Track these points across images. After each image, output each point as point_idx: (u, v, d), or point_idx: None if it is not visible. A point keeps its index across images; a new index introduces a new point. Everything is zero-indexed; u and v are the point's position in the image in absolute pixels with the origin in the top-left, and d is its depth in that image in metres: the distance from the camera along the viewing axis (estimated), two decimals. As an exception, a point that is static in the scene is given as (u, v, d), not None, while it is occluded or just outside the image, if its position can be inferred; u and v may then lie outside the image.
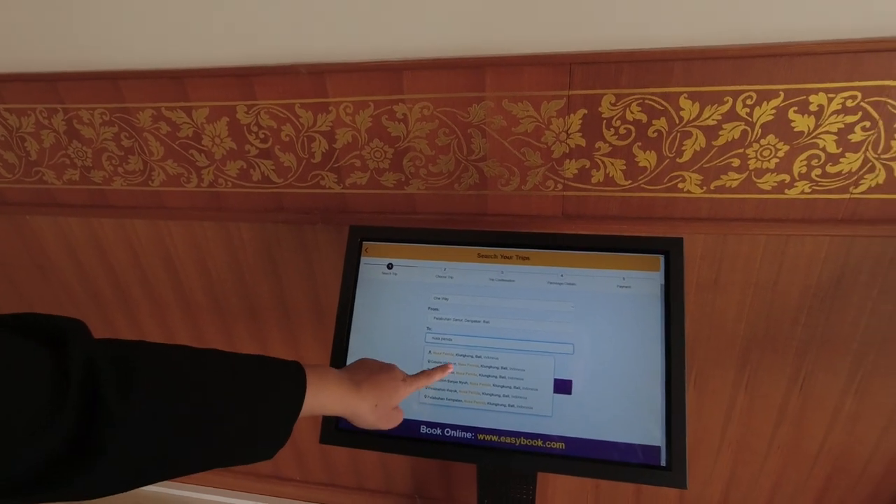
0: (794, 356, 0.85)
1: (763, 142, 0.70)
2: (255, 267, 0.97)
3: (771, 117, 0.68)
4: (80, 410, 0.32)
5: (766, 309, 0.82)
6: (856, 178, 0.70)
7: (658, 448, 0.60)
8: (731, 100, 0.68)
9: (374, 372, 0.57)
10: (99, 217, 0.98)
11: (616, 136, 0.74)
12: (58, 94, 0.85)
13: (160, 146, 0.87)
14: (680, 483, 0.58)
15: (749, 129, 0.69)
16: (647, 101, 0.70)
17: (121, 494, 0.37)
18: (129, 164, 0.90)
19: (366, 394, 0.54)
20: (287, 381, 0.48)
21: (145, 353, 0.40)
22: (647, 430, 0.61)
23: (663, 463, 0.60)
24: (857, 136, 0.67)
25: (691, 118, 0.70)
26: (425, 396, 0.68)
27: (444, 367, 0.64)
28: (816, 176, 0.71)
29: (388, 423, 0.58)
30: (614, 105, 0.71)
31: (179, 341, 1.11)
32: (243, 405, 0.43)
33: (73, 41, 0.79)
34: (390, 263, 0.73)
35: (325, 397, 0.50)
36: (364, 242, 0.74)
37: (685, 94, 0.69)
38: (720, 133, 0.71)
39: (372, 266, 0.73)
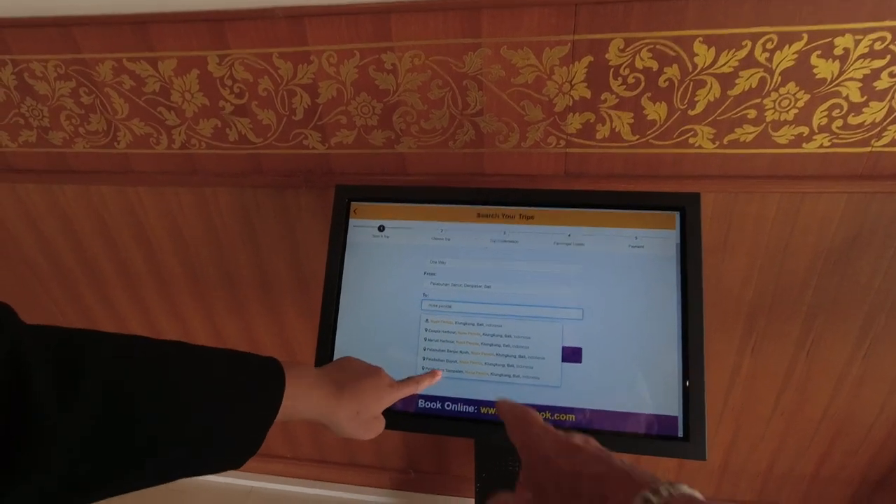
0: (803, 321, 0.82)
1: (782, 90, 0.65)
2: (233, 235, 0.91)
3: (792, 63, 0.63)
4: (2, 414, 0.27)
5: (775, 272, 0.79)
6: (879, 129, 0.66)
7: (675, 418, 0.56)
8: (749, 44, 0.63)
9: (358, 376, 0.52)
10: (60, 183, 0.89)
11: (624, 87, 0.68)
12: (4, 43, 0.76)
13: (124, 103, 0.79)
14: (699, 454, 0.54)
15: (768, 76, 0.64)
16: (658, 47, 0.64)
17: None
18: (90, 123, 0.82)
19: (347, 401, 0.48)
20: (263, 382, 0.42)
21: (90, 343, 0.34)
22: (662, 399, 0.57)
23: (680, 434, 0.56)
24: (882, 82, 0.63)
25: (706, 65, 0.65)
26: (423, 368, 0.64)
27: (432, 373, 0.59)
28: (837, 128, 0.66)
29: (368, 433, 0.52)
30: (623, 51, 0.65)
31: (155, 317, 1.05)
32: (210, 409, 0.37)
33: (17, -20, 0.70)
34: (381, 225, 0.67)
35: (302, 402, 0.45)
36: (352, 203, 0.68)
37: (700, 39, 0.63)
38: (736, 81, 0.65)
39: (361, 229, 0.67)
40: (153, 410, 0.34)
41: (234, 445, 0.40)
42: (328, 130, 0.77)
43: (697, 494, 0.29)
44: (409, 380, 0.57)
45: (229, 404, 0.38)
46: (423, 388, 0.57)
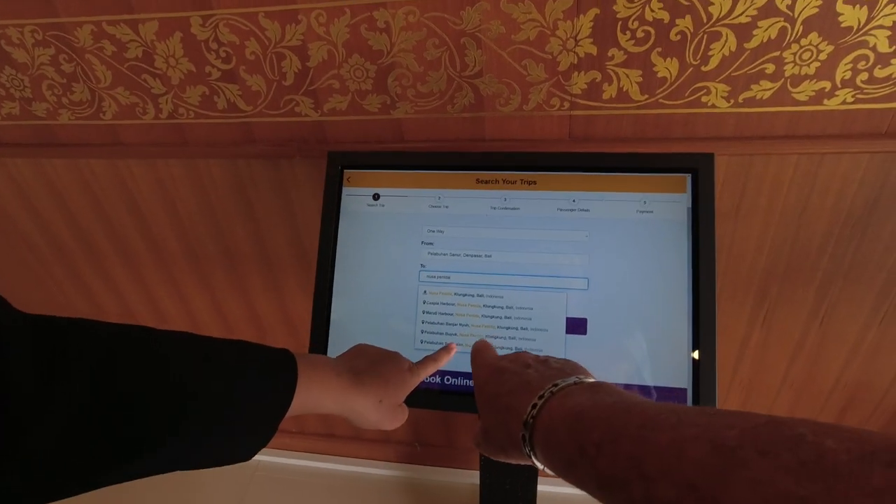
0: (817, 289, 0.79)
1: (804, 42, 0.60)
2: (229, 208, 0.88)
3: (815, 10, 0.58)
4: None
5: (790, 238, 0.75)
6: (907, 82, 0.61)
7: (684, 390, 0.54)
8: (770, -10, 0.58)
9: (376, 361, 0.48)
10: (49, 157, 0.87)
11: (632, 42, 0.63)
12: (-22, 8, 0.73)
13: (107, 70, 0.76)
14: (709, 426, 0.52)
15: (789, 25, 0.60)
16: (670, -4, 0.60)
17: None
18: (73, 93, 0.79)
19: (369, 388, 0.45)
20: (274, 371, 0.39)
21: (82, 331, 0.31)
22: (671, 371, 0.55)
23: (689, 405, 0.54)
24: (914, 30, 0.58)
25: (721, 15, 0.60)
26: (421, 342, 0.62)
27: (447, 347, 0.55)
28: (862, 82, 0.62)
29: (393, 421, 0.48)
30: (632, 2, 0.61)
31: (156, 294, 1.04)
32: (218, 399, 0.34)
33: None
34: (376, 193, 0.64)
35: (319, 392, 0.41)
36: (346, 170, 0.64)
37: (716, -14, 0.59)
38: (754, 33, 0.61)
39: (355, 197, 0.64)
40: (150, 402, 0.31)
41: (241, 439, 0.37)
42: (320, 96, 0.74)
43: (586, 379, 0.32)
44: (427, 359, 0.53)
45: (236, 397, 0.36)
46: (443, 364, 0.54)
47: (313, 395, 0.41)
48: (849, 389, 0.89)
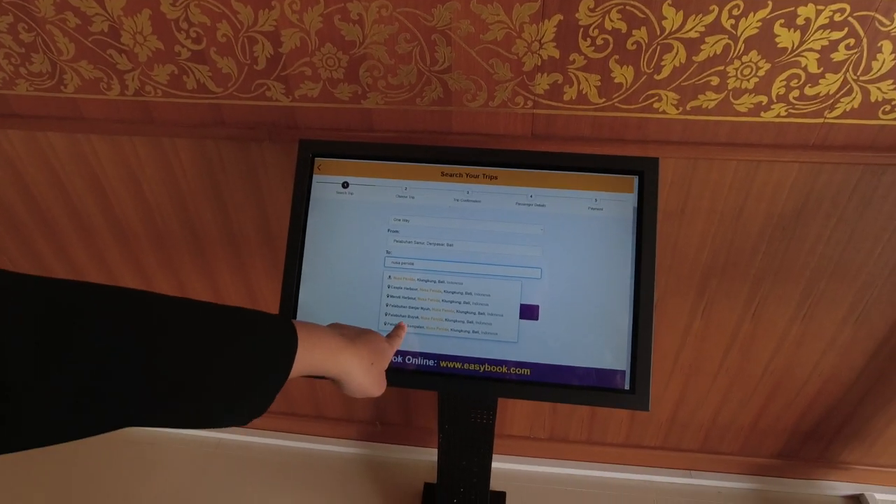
0: (751, 284, 0.86)
1: (745, 58, 0.66)
2: (196, 190, 0.88)
3: (756, 31, 0.64)
4: None
5: (728, 238, 0.82)
6: (832, 101, 0.68)
7: (623, 372, 0.60)
8: (717, 9, 0.63)
9: (360, 332, 0.51)
10: (4, 128, 0.84)
11: (592, 48, 0.68)
12: (-68, -29, 0.70)
13: (70, 43, 0.74)
14: (643, 405, 0.58)
15: (732, 43, 0.65)
16: (628, 8, 0.64)
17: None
18: (32, 63, 0.77)
19: (362, 350, 0.47)
20: (274, 333, 0.40)
21: (83, 297, 0.31)
22: (612, 354, 0.60)
23: (627, 386, 0.59)
24: (839, 54, 0.64)
25: (673, 29, 0.65)
26: (385, 324, 0.65)
27: (398, 326, 0.60)
28: (794, 98, 0.68)
29: (380, 387, 0.51)
30: (593, 11, 0.65)
31: (118, 275, 1.03)
32: (221, 359, 0.35)
33: None
34: (345, 182, 0.66)
35: (319, 352, 0.42)
36: (316, 158, 0.66)
37: (669, 1, 0.63)
38: (702, 47, 0.66)
39: (325, 185, 0.66)
40: (160, 359, 0.32)
41: (246, 401, 0.37)
42: (292, 82, 0.75)
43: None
44: (392, 334, 0.58)
45: (242, 354, 0.36)
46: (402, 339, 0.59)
47: (314, 354, 0.42)
48: (775, 377, 0.98)
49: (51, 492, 1.13)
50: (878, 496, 1.09)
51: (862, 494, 1.10)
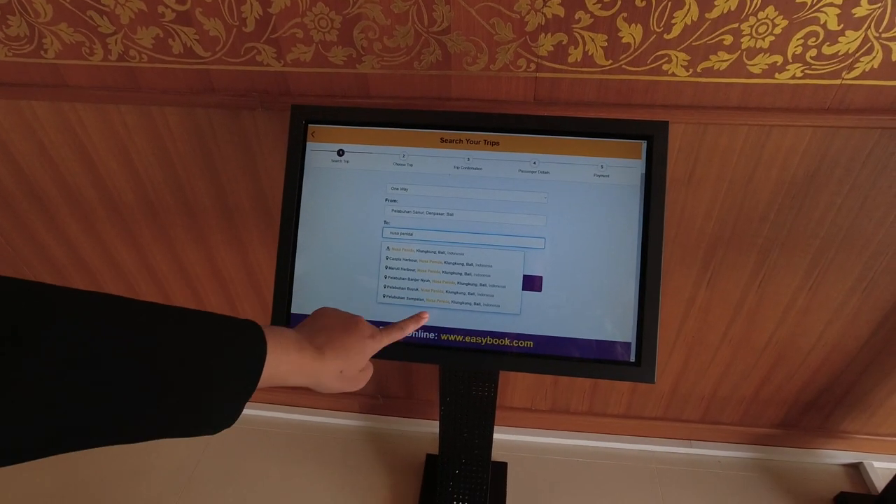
0: (758, 254, 0.85)
1: (761, 15, 0.62)
2: (187, 160, 0.85)
3: (774, -17, 0.60)
4: None
5: (737, 206, 0.80)
6: (851, 60, 0.64)
7: (629, 344, 0.58)
8: (733, -40, 0.59)
9: (338, 331, 0.49)
10: (-15, 97, 0.81)
11: (599, 5, 0.64)
12: None
13: (47, 3, 0.70)
14: (648, 378, 0.57)
15: (748, -2, 0.61)
16: (638, -39, 0.60)
17: None
18: (9, 26, 0.73)
19: (330, 360, 0.46)
20: (242, 345, 0.38)
21: (52, 300, 0.30)
22: (617, 326, 0.58)
23: (632, 359, 0.58)
24: (861, 9, 0.61)
25: (686, -17, 0.61)
26: (384, 297, 0.63)
27: (418, 316, 0.57)
28: (811, 58, 0.65)
29: (355, 385, 0.50)
30: (601, -36, 0.61)
31: (112, 249, 1.01)
32: (187, 373, 0.34)
33: None
34: (341, 150, 0.63)
35: (285, 367, 0.41)
36: (310, 125, 0.64)
37: (682, -47, 0.59)
38: (716, 3, 0.62)
39: (320, 153, 0.64)
40: (118, 374, 0.30)
41: (212, 415, 0.36)
42: (283, 45, 0.71)
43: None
44: (394, 326, 0.55)
45: (209, 367, 0.35)
46: (410, 332, 0.56)
47: (280, 370, 0.41)
48: (779, 347, 0.97)
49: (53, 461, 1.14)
50: (877, 464, 1.10)
51: (861, 463, 1.10)
